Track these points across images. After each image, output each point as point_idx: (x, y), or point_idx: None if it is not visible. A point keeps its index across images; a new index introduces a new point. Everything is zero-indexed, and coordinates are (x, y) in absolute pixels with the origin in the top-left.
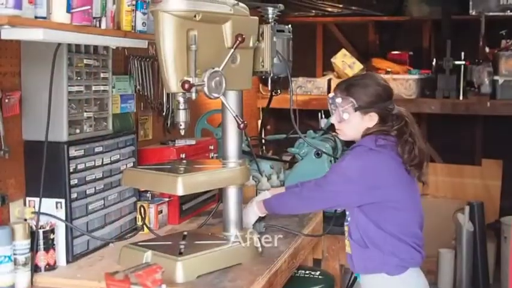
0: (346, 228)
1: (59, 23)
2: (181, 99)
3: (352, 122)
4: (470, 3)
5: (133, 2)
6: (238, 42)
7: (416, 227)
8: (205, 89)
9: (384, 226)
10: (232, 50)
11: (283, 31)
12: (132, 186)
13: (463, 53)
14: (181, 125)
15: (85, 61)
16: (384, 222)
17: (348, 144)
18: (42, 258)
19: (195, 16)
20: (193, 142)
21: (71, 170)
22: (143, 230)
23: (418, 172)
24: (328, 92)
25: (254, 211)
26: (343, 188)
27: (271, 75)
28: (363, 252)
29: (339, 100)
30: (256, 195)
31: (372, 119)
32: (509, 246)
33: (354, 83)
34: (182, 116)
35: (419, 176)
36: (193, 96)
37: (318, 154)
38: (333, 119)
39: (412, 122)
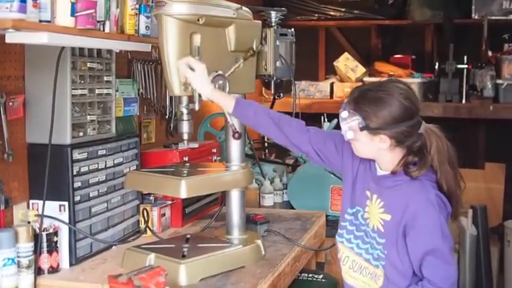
0: (377, 271)
1: (63, 27)
2: (184, 110)
3: (361, 141)
4: (473, 7)
5: (137, 6)
6: (249, 55)
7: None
8: None
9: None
10: (241, 60)
11: (286, 35)
12: (135, 189)
13: (465, 57)
14: (184, 136)
15: (88, 64)
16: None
17: None
18: (45, 261)
19: (198, 20)
20: (196, 145)
21: (75, 173)
22: (146, 233)
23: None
24: (331, 95)
25: None
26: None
27: (274, 78)
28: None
29: (344, 114)
30: (259, 198)
31: (383, 141)
32: None
33: (366, 96)
34: (186, 127)
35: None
36: (196, 107)
37: None
38: (343, 132)
39: (441, 149)
